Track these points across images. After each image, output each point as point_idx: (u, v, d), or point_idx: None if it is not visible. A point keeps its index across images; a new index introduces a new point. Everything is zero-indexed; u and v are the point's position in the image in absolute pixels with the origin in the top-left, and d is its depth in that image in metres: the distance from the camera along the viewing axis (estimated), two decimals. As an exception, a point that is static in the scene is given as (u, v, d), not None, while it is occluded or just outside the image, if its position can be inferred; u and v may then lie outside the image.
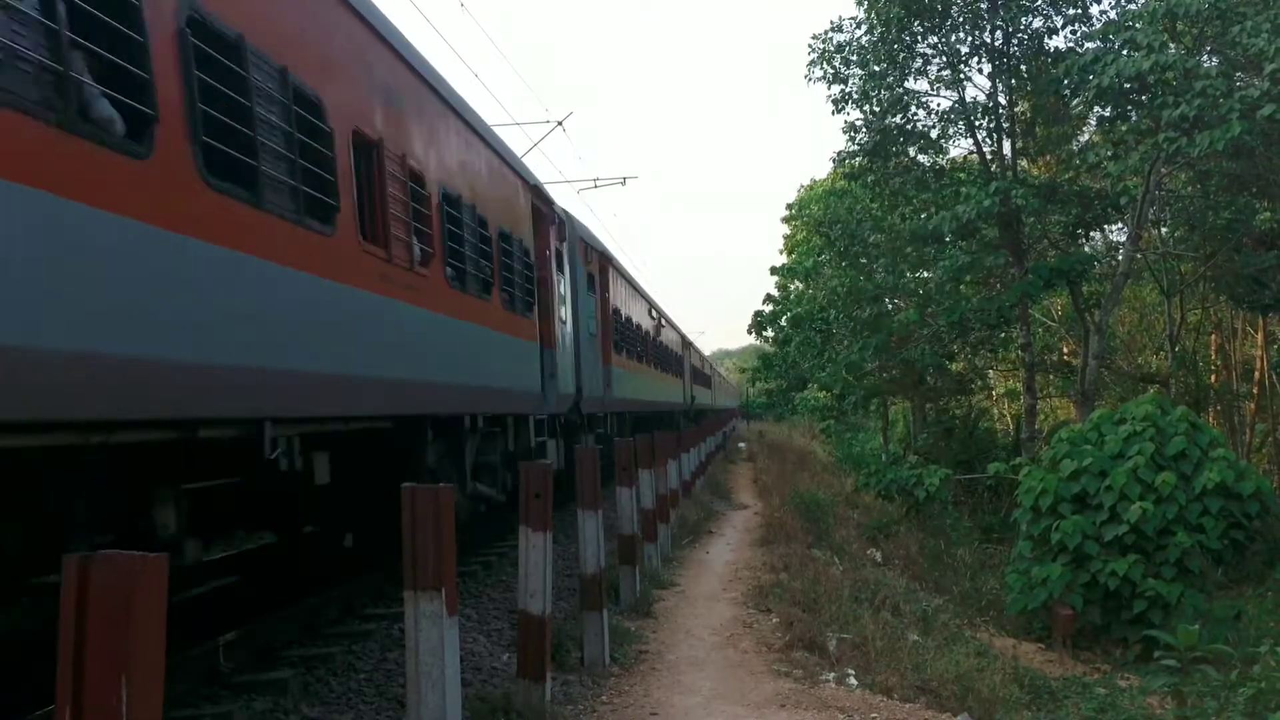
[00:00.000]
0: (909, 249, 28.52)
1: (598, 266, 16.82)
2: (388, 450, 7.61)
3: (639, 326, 21.89)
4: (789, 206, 49.11)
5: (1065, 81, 19.90)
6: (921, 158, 25.81)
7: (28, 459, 4.15)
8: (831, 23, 25.24)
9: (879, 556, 17.72)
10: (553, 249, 13.06)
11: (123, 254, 4.03)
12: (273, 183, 5.19)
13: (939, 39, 24.05)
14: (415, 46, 8.02)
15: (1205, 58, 18.96)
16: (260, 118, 5.09)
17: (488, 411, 9.72)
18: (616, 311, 18.48)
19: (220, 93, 4.73)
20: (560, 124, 21.84)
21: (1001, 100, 24.36)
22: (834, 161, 26.57)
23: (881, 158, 24.90)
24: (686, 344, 36.97)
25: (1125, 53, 17.96)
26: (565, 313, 13.56)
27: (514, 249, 10.71)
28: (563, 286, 13.54)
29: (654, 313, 25.97)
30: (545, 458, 11.37)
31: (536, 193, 12.37)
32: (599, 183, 26.42)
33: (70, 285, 3.73)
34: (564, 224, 14.20)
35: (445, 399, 8.36)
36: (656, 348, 25.18)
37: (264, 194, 5.07)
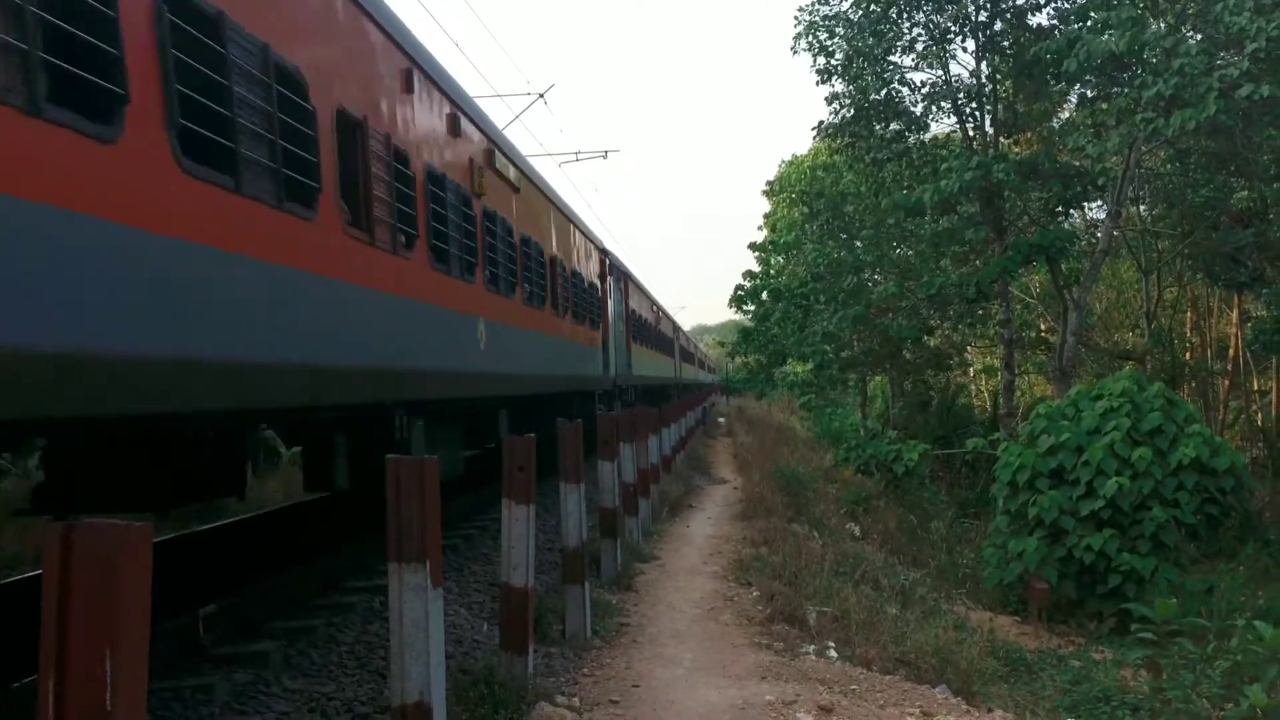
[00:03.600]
0: (890, 221, 28.51)
1: (623, 282, 23.16)
2: (532, 411, 12.61)
3: (646, 320, 27.84)
4: (770, 182, 48.95)
5: (1051, 69, 19.92)
6: (904, 131, 25.70)
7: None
8: None
9: (858, 531, 17.83)
10: (606, 279, 19.61)
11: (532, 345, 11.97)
12: (534, 294, 11.98)
13: (924, 15, 23.94)
14: (566, 202, 15.86)
15: (1187, 34, 18.89)
16: (534, 271, 12.03)
17: (580, 389, 15.71)
18: (633, 312, 24.44)
19: (536, 268, 11.75)
20: (542, 96, 21.75)
21: (984, 77, 24.31)
22: (815, 133, 26.42)
23: (865, 128, 24.82)
24: (676, 329, 44.15)
25: (1105, 34, 17.87)
26: (609, 319, 19.52)
27: (592, 290, 17.71)
28: (608, 302, 19.66)
29: (655, 309, 32.04)
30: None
31: (601, 250, 19.45)
32: (580, 156, 26.33)
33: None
34: (610, 262, 20.57)
35: (565, 383, 14.25)
36: (657, 335, 31.72)
37: (531, 298, 11.51)
